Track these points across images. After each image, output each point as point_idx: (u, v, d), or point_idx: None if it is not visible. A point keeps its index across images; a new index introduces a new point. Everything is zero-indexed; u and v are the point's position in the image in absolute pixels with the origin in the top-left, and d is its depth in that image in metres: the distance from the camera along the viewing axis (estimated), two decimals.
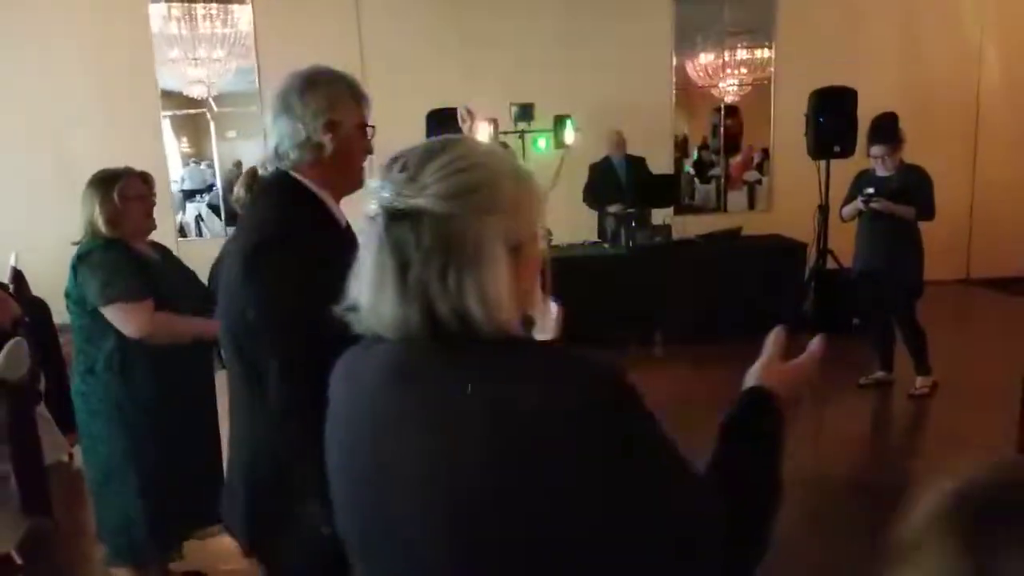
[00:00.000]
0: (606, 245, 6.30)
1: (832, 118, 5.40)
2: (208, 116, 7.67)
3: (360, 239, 0.95)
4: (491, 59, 7.07)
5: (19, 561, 3.23)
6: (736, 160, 8.34)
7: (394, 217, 0.88)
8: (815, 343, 1.10)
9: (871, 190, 4.47)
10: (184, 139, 7.79)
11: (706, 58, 7.90)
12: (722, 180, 8.17)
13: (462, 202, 0.87)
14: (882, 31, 7.47)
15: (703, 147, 8.15)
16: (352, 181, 1.66)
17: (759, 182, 8.11)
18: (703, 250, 6.11)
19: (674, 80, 7.73)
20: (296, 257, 1.52)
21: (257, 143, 7.61)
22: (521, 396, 0.83)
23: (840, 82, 5.82)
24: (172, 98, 7.53)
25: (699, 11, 7.67)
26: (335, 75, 1.66)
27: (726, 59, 7.91)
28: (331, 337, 1.01)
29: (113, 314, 2.51)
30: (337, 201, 1.67)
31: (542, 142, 6.46)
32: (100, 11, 6.99)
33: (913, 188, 4.42)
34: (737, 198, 8.14)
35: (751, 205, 8.03)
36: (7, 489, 3.20)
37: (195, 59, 7.26)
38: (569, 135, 6.37)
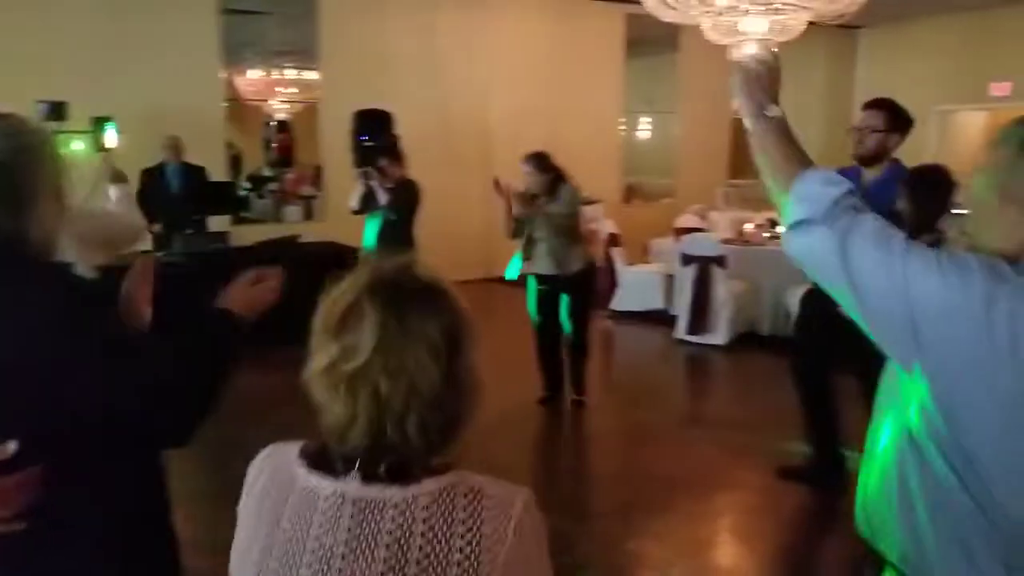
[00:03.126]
0: (160, 253, 6.07)
1: (373, 136, 5.99)
2: None
3: None
4: (14, 52, 6.31)
5: None
6: (291, 175, 8.67)
7: None
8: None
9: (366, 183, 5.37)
10: None
11: (256, 74, 8.09)
12: (277, 194, 8.42)
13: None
14: (410, 63, 8.50)
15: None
16: None
17: (314, 197, 8.55)
18: (263, 256, 6.26)
19: (225, 93, 7.76)
20: None
21: None
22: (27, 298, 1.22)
23: (381, 104, 6.51)
24: None
25: (245, 27, 7.83)
26: None
27: (276, 76, 8.19)
28: None
29: None
30: None
31: (78, 144, 5.97)
32: None
33: (402, 195, 5.27)
34: (294, 211, 8.47)
35: (308, 217, 8.42)
36: None
37: None
38: (111, 138, 6.00)
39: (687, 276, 6.74)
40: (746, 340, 6.65)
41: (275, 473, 1.01)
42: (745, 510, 3.81)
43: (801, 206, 1.21)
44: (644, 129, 12.92)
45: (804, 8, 6.42)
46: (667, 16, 6.61)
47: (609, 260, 7.77)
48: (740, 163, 11.74)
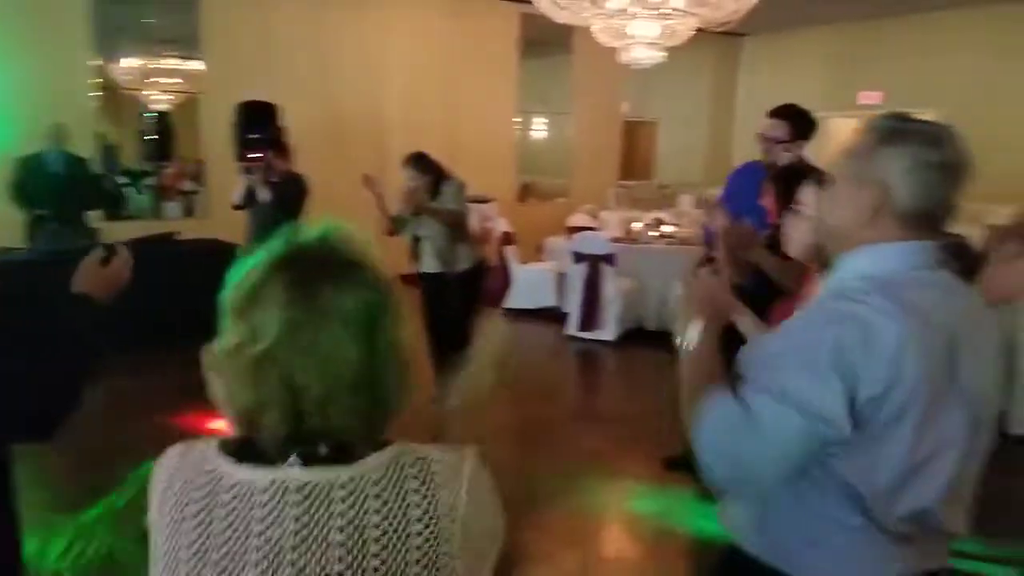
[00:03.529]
0: (26, 249, 5.68)
1: (257, 128, 5.78)
2: None
3: None
4: None
5: None
6: (170, 170, 8.26)
7: None
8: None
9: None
10: None
11: (133, 62, 7.67)
12: (156, 189, 8.02)
13: None
14: (298, 56, 8.27)
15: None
16: None
17: (196, 192, 8.18)
18: (140, 254, 5.94)
19: (97, 81, 7.32)
20: None
21: None
22: None
23: (267, 96, 6.28)
24: None
25: (122, 11, 7.40)
26: None
27: (154, 66, 7.80)
28: None
29: None
30: None
31: None
32: None
33: (287, 188, 5.12)
34: (174, 207, 8.07)
35: (189, 214, 8.05)
36: None
37: None
38: None
39: (578, 274, 6.84)
40: (633, 336, 6.82)
41: (193, 474, 0.91)
42: (632, 497, 3.88)
43: (720, 464, 1.21)
44: (539, 129, 13.06)
45: (691, 14, 6.64)
46: (559, 17, 6.71)
47: (503, 258, 7.80)
48: (630, 164, 12.04)
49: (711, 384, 1.24)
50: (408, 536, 0.87)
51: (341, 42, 8.64)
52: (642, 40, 6.74)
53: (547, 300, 7.53)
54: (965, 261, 5.07)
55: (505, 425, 5.04)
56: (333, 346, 0.87)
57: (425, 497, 0.89)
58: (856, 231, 1.25)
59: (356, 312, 0.89)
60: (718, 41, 10.93)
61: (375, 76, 8.95)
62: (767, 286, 2.55)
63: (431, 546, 0.88)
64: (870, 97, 10.90)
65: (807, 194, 2.00)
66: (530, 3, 6.76)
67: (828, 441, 1.15)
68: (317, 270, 0.91)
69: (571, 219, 8.96)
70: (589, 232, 7.60)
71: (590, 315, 6.74)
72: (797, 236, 2.06)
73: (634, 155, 12.29)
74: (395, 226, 4.75)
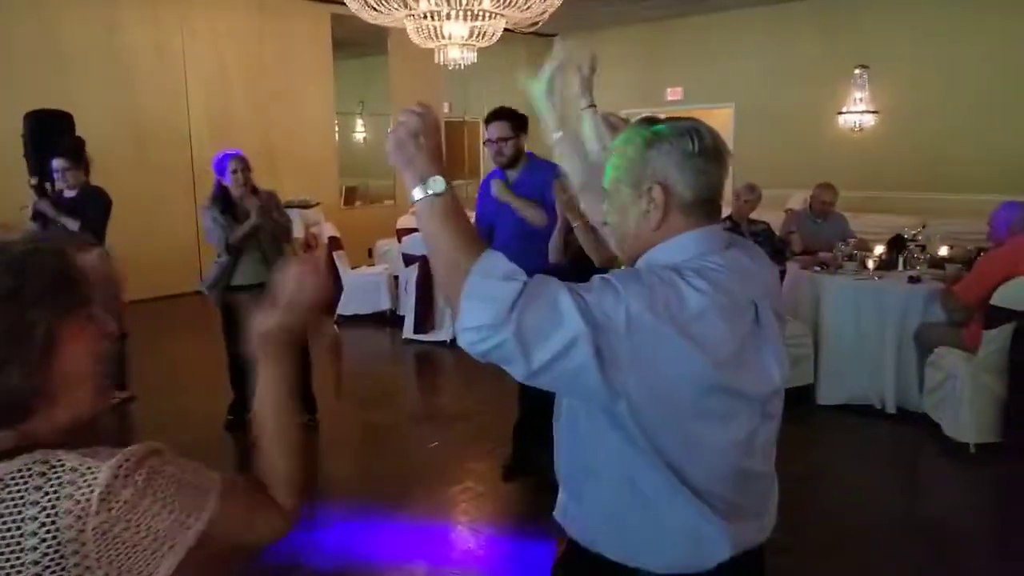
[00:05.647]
0: None
1: (52, 140, 5.32)
2: None
3: None
4: None
5: None
6: None
7: None
8: None
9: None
10: None
11: None
12: None
13: None
14: (91, 61, 7.69)
15: None
16: None
17: None
18: None
19: None
20: None
21: None
22: None
23: (59, 105, 5.81)
24: None
25: None
26: None
27: None
28: None
29: None
30: None
31: None
32: None
33: (88, 204, 4.75)
34: None
35: None
36: None
37: None
38: None
39: (410, 276, 6.80)
40: None
41: None
42: (473, 497, 3.92)
43: (480, 307, 1.12)
44: (361, 132, 12.86)
45: (499, 15, 6.79)
46: (371, 18, 6.63)
47: (332, 264, 7.61)
48: (456, 164, 12.15)
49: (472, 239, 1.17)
50: (23, 551, 0.85)
51: (138, 44, 8.11)
52: (455, 41, 6.81)
53: (381, 304, 7.44)
54: (772, 244, 5.53)
55: (344, 435, 4.93)
56: None
57: (44, 509, 0.85)
58: (648, 232, 1.31)
59: None
60: (531, 41, 11.23)
61: (177, 79, 8.47)
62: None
63: (53, 559, 0.85)
64: (675, 93, 11.64)
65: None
66: (341, 3, 6.63)
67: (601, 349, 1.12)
68: None
69: (400, 221, 8.89)
70: (418, 233, 7.56)
71: (425, 316, 6.73)
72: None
73: (459, 155, 12.40)
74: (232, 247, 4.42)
